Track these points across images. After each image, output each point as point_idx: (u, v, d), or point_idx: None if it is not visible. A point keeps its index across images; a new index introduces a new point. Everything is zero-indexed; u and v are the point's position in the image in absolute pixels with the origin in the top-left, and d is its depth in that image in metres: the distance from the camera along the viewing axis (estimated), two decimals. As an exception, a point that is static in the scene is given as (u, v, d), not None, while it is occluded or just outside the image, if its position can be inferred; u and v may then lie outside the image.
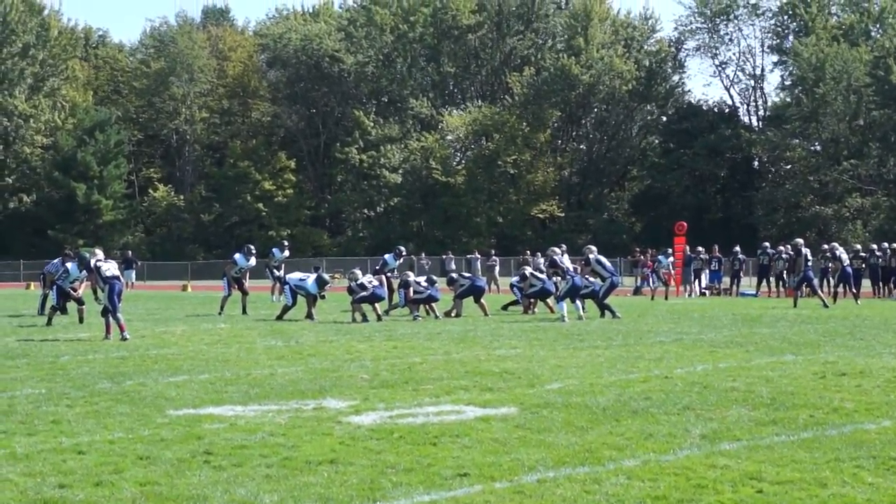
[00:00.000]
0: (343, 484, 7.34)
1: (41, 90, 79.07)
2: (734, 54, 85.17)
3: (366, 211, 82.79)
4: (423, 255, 58.06)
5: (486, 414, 10.16)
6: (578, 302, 23.94)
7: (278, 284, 31.23)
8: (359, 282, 24.20)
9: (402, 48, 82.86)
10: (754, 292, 37.09)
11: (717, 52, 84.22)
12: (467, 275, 29.97)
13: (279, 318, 24.18)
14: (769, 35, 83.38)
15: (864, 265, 34.96)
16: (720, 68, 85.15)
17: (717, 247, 39.50)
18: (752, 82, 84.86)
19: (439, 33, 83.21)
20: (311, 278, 25.03)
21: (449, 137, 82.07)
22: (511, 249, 64.89)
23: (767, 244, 39.77)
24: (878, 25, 77.68)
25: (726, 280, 38.62)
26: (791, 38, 79.46)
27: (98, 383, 12.63)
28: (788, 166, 76.80)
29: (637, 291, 40.04)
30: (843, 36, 74.37)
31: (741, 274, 38.44)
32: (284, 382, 12.59)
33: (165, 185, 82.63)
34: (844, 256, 32.09)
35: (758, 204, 74.01)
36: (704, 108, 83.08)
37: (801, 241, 31.73)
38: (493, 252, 49.71)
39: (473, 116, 79.71)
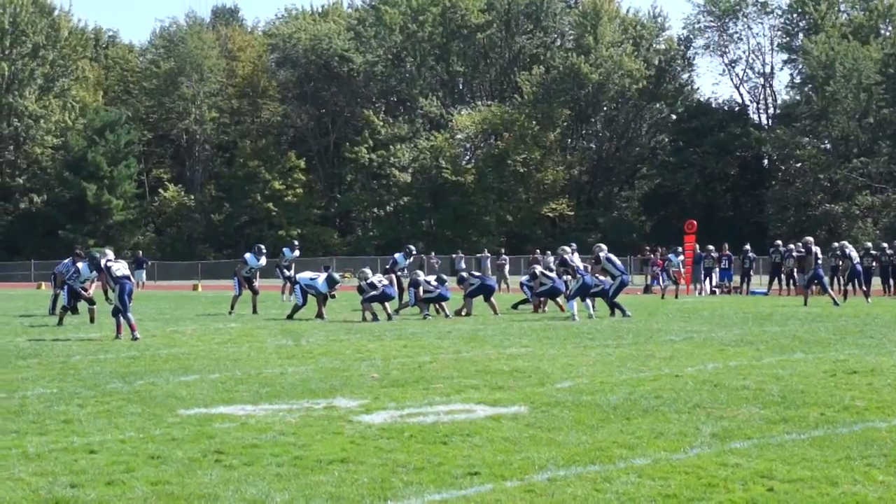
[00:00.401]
0: (354, 483, 7.34)
1: (51, 91, 79.32)
2: (743, 52, 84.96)
3: (375, 210, 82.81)
4: (433, 254, 58.05)
5: (497, 413, 10.16)
6: (589, 301, 23.93)
7: (289, 284, 31.26)
8: (369, 280, 24.21)
9: (412, 47, 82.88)
10: (765, 290, 37.02)
11: (727, 50, 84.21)
12: (477, 273, 29.97)
13: (289, 317, 24.22)
14: (778, 33, 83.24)
15: (874, 263, 34.90)
16: (729, 67, 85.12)
17: (727, 245, 39.44)
18: (762, 80, 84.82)
19: (448, 32, 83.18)
20: (321, 277, 25.06)
21: (458, 136, 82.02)
22: (521, 248, 64.89)
23: (779, 242, 39.66)
24: (887, 21, 77.48)
25: (736, 278, 38.54)
26: (801, 36, 79.25)
27: (109, 383, 12.65)
28: (798, 164, 76.58)
29: (647, 290, 39.98)
30: (852, 34, 74.15)
31: (751, 272, 38.36)
32: (295, 381, 12.59)
33: (175, 184, 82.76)
34: (854, 254, 32.02)
35: (768, 202, 73.89)
36: (714, 106, 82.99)
37: (811, 239, 31.67)
38: (502, 251, 49.67)
39: (483, 115, 79.66)
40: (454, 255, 52.07)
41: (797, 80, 79.53)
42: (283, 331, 20.68)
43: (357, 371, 13.64)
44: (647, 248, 48.54)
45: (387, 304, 24.30)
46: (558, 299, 26.04)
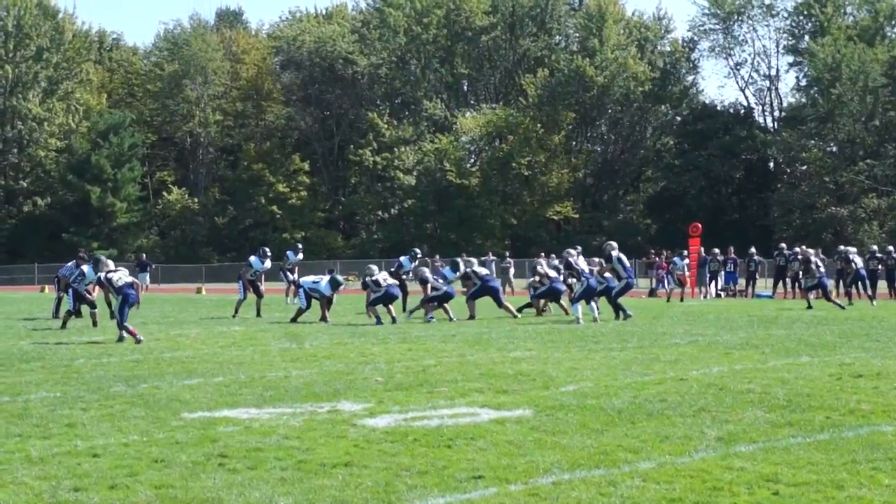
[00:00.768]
0: (358, 486, 7.33)
1: (55, 93, 79.40)
2: (749, 55, 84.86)
3: (380, 213, 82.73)
4: (438, 257, 57.98)
5: (501, 416, 10.14)
6: (593, 304, 23.92)
7: (293, 287, 31.28)
8: (374, 278, 24.27)
9: (416, 50, 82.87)
10: (770, 294, 36.98)
11: (732, 52, 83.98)
12: (481, 270, 29.83)
13: (293, 320, 24.24)
14: (784, 35, 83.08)
15: (880, 266, 34.85)
16: (735, 69, 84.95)
17: (732, 248, 39.41)
18: (768, 83, 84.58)
19: (453, 35, 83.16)
20: (324, 280, 25.07)
21: (463, 139, 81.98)
22: (525, 251, 64.82)
23: (784, 245, 39.61)
24: (893, 24, 77.37)
25: (742, 282, 38.52)
26: (806, 38, 79.14)
27: (113, 386, 12.64)
28: (804, 167, 76.46)
29: (652, 293, 39.96)
30: (858, 36, 74.04)
31: (757, 275, 38.30)
32: (299, 385, 12.57)
33: (179, 187, 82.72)
34: (858, 260, 31.97)
35: (773, 205, 73.76)
36: (719, 108, 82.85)
37: (811, 251, 31.67)
38: (507, 254, 49.62)
39: (487, 118, 79.64)
40: (459, 259, 51.91)
41: (803, 82, 79.36)
42: (286, 334, 20.68)
43: (361, 374, 13.63)
44: (652, 251, 48.57)
45: (391, 306, 24.32)
46: (562, 302, 26.04)
